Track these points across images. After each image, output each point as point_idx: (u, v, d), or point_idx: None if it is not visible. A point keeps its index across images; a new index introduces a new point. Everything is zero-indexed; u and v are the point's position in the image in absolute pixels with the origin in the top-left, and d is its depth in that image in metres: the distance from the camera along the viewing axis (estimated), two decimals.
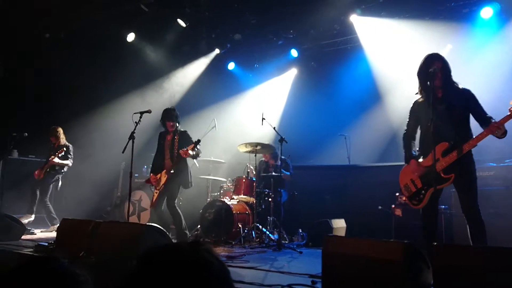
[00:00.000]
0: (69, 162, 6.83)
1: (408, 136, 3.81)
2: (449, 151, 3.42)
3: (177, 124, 5.52)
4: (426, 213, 3.57)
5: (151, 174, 5.50)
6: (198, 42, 9.20)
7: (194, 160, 7.11)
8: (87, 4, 7.71)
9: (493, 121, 3.33)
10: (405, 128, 3.85)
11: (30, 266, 1.00)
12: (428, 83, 3.49)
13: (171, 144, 5.43)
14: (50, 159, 6.70)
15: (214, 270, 0.92)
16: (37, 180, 6.72)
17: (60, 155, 6.69)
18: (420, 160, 3.67)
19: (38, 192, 6.68)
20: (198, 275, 0.90)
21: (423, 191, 3.57)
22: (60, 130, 7.00)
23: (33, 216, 6.48)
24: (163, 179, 5.31)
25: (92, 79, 8.62)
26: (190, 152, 5.16)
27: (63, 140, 6.96)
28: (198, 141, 5.25)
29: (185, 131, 5.56)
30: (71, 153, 6.92)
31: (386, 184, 5.64)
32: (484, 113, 3.46)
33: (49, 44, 8.42)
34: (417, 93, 3.72)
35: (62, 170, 6.85)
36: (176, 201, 5.37)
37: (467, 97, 3.53)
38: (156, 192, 5.34)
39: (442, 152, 3.45)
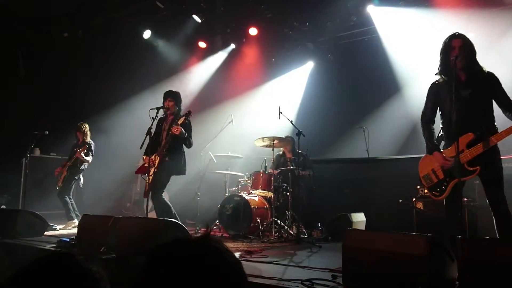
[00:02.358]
0: (89, 159, 6.89)
1: (428, 121, 3.60)
2: (475, 142, 3.24)
3: (177, 107, 5.41)
4: (449, 205, 3.45)
5: (144, 157, 5.32)
6: (214, 37, 9.21)
7: (212, 155, 7.13)
8: (103, 3, 7.79)
9: None
10: (423, 111, 3.63)
11: (45, 263, 0.99)
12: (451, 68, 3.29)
13: (169, 126, 5.28)
14: (76, 154, 6.73)
15: (226, 260, 0.91)
16: (61, 189, 6.72)
17: (83, 152, 6.74)
18: (443, 149, 3.54)
19: (66, 198, 6.69)
20: (210, 265, 0.88)
21: (445, 182, 3.43)
22: (87, 126, 7.02)
23: (76, 221, 6.42)
24: (157, 161, 5.18)
25: (110, 77, 8.71)
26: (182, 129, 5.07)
27: (88, 137, 6.99)
28: (189, 112, 5.16)
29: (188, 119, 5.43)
30: (93, 150, 6.97)
31: (406, 177, 5.51)
32: (509, 99, 3.30)
33: (67, 43, 8.53)
34: (436, 74, 3.54)
35: (83, 167, 6.93)
36: (163, 192, 5.20)
37: (492, 81, 3.35)
38: (150, 178, 5.12)
39: (467, 144, 3.27)
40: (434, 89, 3.58)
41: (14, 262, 4.11)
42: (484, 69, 3.40)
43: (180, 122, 5.11)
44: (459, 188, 3.38)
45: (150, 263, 0.91)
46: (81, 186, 7.14)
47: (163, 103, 5.40)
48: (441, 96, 3.50)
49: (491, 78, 3.36)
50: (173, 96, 5.40)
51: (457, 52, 3.31)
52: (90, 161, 6.94)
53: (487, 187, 3.32)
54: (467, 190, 5.01)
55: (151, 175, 5.15)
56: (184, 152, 5.38)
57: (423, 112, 3.64)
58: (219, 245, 0.94)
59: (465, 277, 2.37)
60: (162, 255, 0.92)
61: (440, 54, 3.47)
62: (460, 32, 3.45)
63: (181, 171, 5.32)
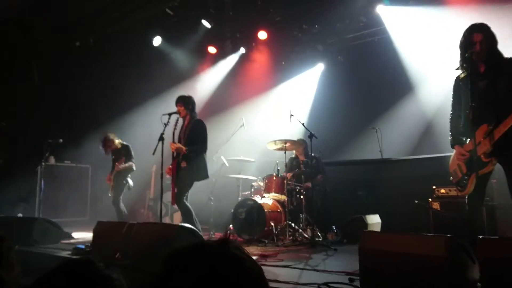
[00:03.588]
0: (130, 163, 6.76)
1: (455, 118, 3.56)
2: (489, 133, 3.19)
3: (188, 111, 5.34)
4: (470, 201, 3.41)
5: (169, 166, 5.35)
6: (224, 42, 9.24)
7: (224, 159, 7.13)
8: (113, 11, 7.88)
9: None
10: (451, 111, 3.61)
11: (65, 270, 0.98)
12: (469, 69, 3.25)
13: (184, 132, 5.28)
14: (116, 167, 6.69)
15: (246, 266, 0.86)
16: (114, 198, 6.69)
17: (122, 157, 6.68)
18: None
19: (121, 206, 6.66)
20: (230, 271, 0.84)
21: (466, 177, 3.40)
22: (109, 135, 6.82)
23: None
24: (174, 168, 5.19)
25: (121, 84, 8.80)
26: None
27: (118, 143, 6.82)
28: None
29: (200, 120, 5.38)
30: (131, 153, 6.83)
31: (421, 177, 5.45)
32: None
33: (79, 52, 8.64)
34: (457, 68, 3.48)
35: (129, 172, 6.82)
36: (185, 197, 5.18)
37: (510, 66, 3.26)
38: (172, 185, 5.18)
39: (483, 135, 3.22)
40: (457, 86, 3.54)
41: (30, 270, 4.15)
42: (504, 56, 3.32)
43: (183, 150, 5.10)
44: (482, 183, 3.31)
45: (165, 271, 0.88)
46: (130, 188, 6.91)
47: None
48: (463, 91, 3.43)
49: (510, 64, 3.27)
50: (182, 101, 5.38)
51: (478, 47, 3.25)
52: (133, 164, 6.82)
53: (508, 177, 3.19)
54: None
55: (173, 183, 5.19)
56: (203, 155, 5.31)
57: (451, 113, 3.63)
58: (239, 251, 0.89)
59: (487, 278, 2.31)
60: (177, 262, 0.88)
61: (460, 49, 3.41)
62: (481, 23, 3.36)
63: (202, 176, 5.27)
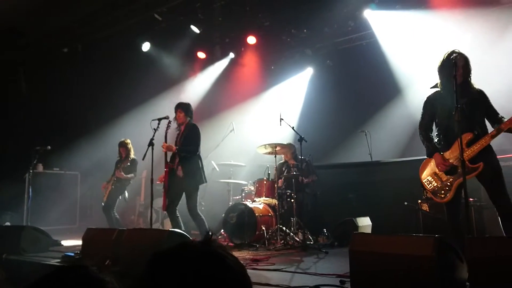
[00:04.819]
0: (131, 175, 6.82)
1: (426, 128, 3.72)
2: (474, 141, 3.36)
3: (188, 117, 5.43)
4: (451, 206, 3.48)
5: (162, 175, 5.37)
6: (213, 47, 9.25)
7: (214, 164, 7.12)
8: (102, 17, 7.85)
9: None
10: (420, 121, 3.76)
11: (58, 275, 0.98)
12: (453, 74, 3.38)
13: (180, 137, 5.32)
14: (116, 172, 6.73)
15: (229, 264, 0.88)
16: (106, 204, 6.69)
17: (125, 166, 6.73)
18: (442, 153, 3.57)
19: (112, 213, 6.65)
20: (213, 270, 0.85)
21: (448, 183, 3.46)
22: (129, 142, 6.95)
23: None
24: (167, 174, 5.21)
25: (110, 90, 8.75)
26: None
27: (131, 153, 6.91)
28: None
29: (195, 125, 5.44)
30: (136, 167, 6.89)
31: (410, 179, 5.43)
32: (497, 113, 3.47)
33: (67, 58, 8.58)
34: (432, 87, 3.67)
35: (128, 182, 6.88)
36: (196, 204, 5.24)
37: (485, 97, 3.53)
38: (164, 192, 5.21)
39: (466, 143, 3.36)
40: (430, 101, 3.71)
41: (18, 278, 4.09)
42: (474, 86, 3.56)
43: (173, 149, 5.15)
44: (461, 188, 3.39)
45: (149, 272, 0.89)
46: (126, 200, 7.01)
47: (175, 115, 5.44)
48: (436, 106, 3.63)
49: (483, 94, 3.54)
50: (182, 107, 5.42)
51: (461, 71, 3.43)
52: (134, 177, 6.90)
53: (488, 184, 3.37)
54: (472, 190, 4.97)
55: (165, 190, 5.20)
56: (198, 161, 5.34)
57: (421, 122, 3.77)
58: (222, 250, 0.91)
59: (475, 277, 2.33)
60: (162, 259, 0.89)
61: (442, 70, 3.56)
62: (458, 50, 3.56)
63: (198, 183, 5.28)
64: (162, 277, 0.86)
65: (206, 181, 5.43)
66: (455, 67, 3.31)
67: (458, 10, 6.62)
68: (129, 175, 6.76)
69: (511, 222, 3.18)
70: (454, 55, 3.42)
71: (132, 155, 6.91)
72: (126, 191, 6.88)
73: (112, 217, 6.61)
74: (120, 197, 6.79)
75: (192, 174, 5.24)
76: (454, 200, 3.44)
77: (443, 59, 3.56)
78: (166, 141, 5.25)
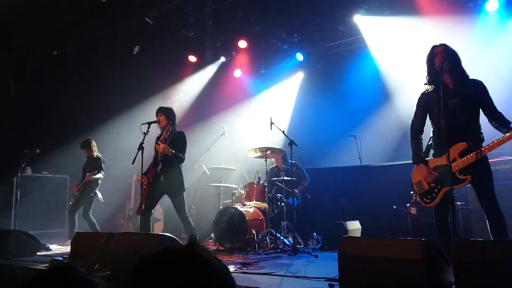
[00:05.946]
0: (100, 175, 6.84)
1: (417, 131, 3.63)
2: (467, 152, 3.28)
3: (170, 122, 5.32)
4: (439, 211, 3.49)
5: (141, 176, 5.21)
6: (204, 51, 9.26)
7: (205, 168, 7.10)
8: (92, 20, 7.81)
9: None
10: (412, 120, 3.68)
11: (48, 275, 0.99)
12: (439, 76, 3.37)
13: (163, 142, 5.17)
14: (86, 176, 6.73)
15: (213, 267, 0.90)
16: (71, 207, 6.73)
17: (93, 171, 6.76)
18: (431, 158, 3.58)
19: (91, 218, 6.68)
20: (198, 273, 0.87)
21: (435, 190, 3.46)
22: (93, 142, 7.03)
23: None
24: (151, 177, 5.16)
25: (100, 93, 8.69)
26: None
27: (95, 152, 6.96)
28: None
29: (182, 133, 5.37)
30: (103, 165, 6.91)
31: (399, 183, 5.54)
32: (495, 108, 3.37)
33: (57, 61, 8.51)
34: (425, 83, 3.59)
35: (96, 184, 6.88)
36: (183, 206, 5.21)
37: (479, 89, 3.41)
38: (143, 195, 5.12)
39: (459, 153, 3.30)
40: (424, 99, 3.63)
41: (5, 283, 4.04)
42: (469, 77, 3.47)
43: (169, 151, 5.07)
44: (449, 196, 3.39)
45: (135, 273, 0.90)
46: (100, 201, 7.02)
47: (156, 119, 5.37)
48: (430, 105, 3.55)
49: (479, 86, 3.42)
50: (163, 111, 5.36)
51: (440, 57, 3.40)
52: (102, 177, 6.90)
53: (478, 189, 3.36)
54: (460, 195, 5.05)
55: (144, 193, 5.12)
56: (180, 168, 5.31)
57: (413, 121, 3.69)
58: (206, 253, 0.92)
59: (461, 280, 2.37)
60: (147, 264, 0.90)
61: (426, 64, 3.55)
62: (441, 42, 3.55)
63: (179, 190, 5.24)
64: (147, 281, 0.87)
65: (184, 189, 5.36)
66: (441, 74, 3.32)
67: (446, 17, 6.73)
68: (97, 176, 6.77)
69: (499, 227, 3.18)
70: (438, 62, 3.37)
71: (95, 154, 6.92)
72: (98, 192, 6.90)
73: (94, 223, 6.66)
74: (94, 201, 6.82)
75: (176, 179, 5.23)
76: (440, 204, 3.44)
77: (427, 54, 3.55)
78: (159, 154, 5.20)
